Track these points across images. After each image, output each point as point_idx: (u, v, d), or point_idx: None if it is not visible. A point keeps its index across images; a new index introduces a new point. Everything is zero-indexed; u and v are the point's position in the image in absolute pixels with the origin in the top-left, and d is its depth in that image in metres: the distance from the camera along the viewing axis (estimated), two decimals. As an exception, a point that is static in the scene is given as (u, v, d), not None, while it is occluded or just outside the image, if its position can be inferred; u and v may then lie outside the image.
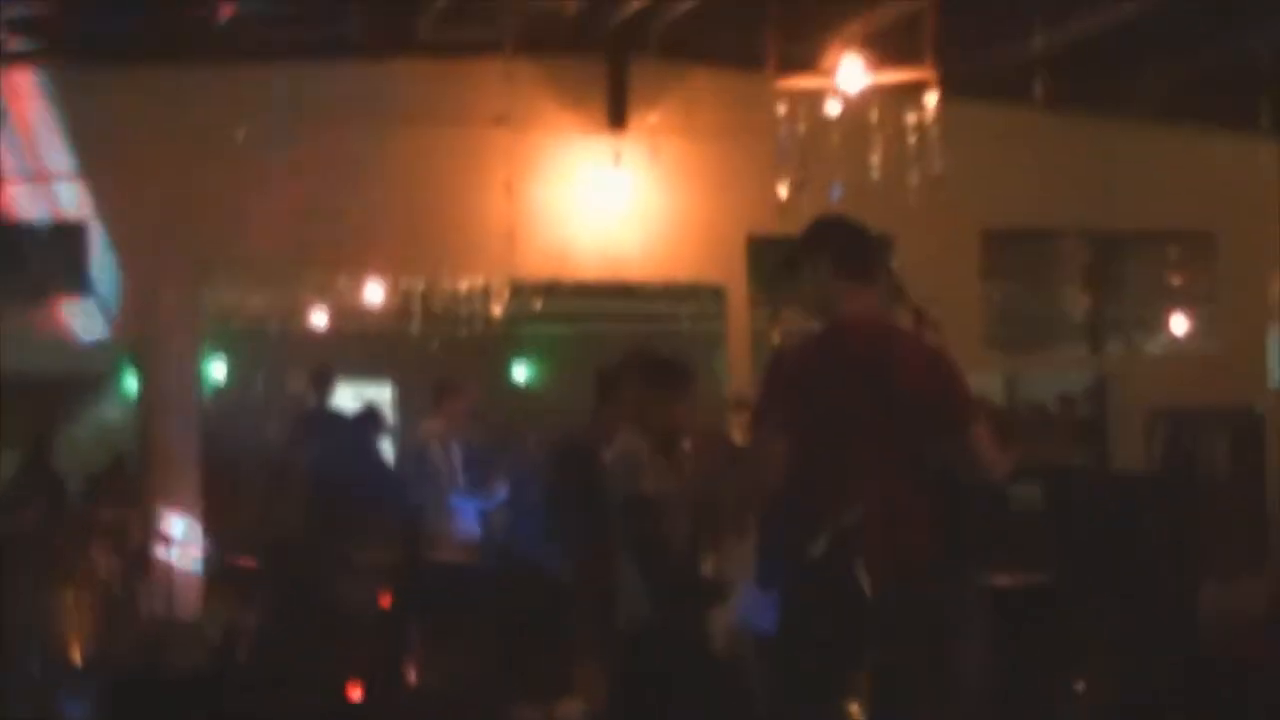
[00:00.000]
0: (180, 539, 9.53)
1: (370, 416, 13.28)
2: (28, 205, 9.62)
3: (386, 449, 13.17)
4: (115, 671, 8.09)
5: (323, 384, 12.76)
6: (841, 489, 5.53)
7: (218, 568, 9.90)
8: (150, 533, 9.55)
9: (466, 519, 11.23)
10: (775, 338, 10.76)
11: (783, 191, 9.37)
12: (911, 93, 8.92)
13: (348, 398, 13.49)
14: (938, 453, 5.64)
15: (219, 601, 9.58)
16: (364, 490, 11.45)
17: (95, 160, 9.87)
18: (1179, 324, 12.57)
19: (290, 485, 11.66)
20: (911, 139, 9.05)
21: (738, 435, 8.32)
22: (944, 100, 8.81)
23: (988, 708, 8.25)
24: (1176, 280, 12.47)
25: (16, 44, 9.52)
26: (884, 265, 6.14)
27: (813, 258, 5.85)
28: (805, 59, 9.05)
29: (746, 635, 8.64)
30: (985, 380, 11.99)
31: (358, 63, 10.22)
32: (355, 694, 8.47)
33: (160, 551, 9.34)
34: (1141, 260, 12.48)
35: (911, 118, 8.99)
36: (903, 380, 5.60)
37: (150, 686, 7.90)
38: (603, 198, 10.71)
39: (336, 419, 13.14)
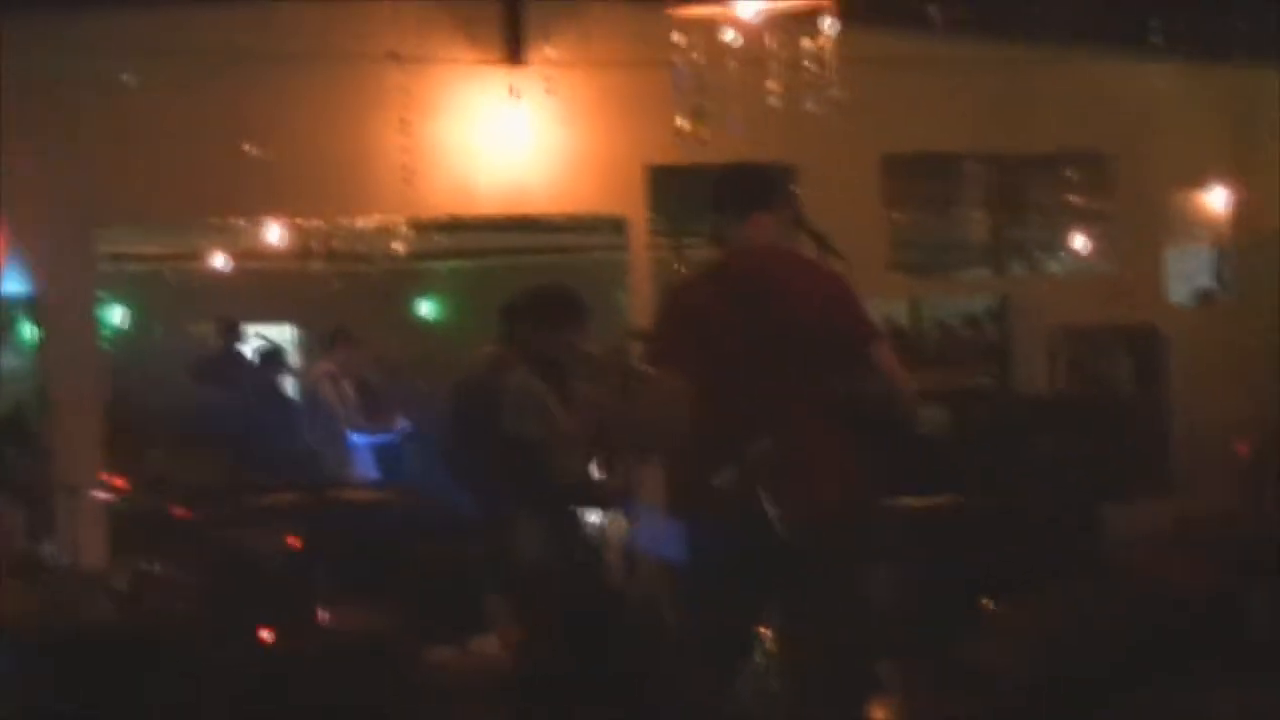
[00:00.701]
0: (83, 488, 9.41)
1: (272, 357, 13.23)
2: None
3: (290, 390, 13.11)
4: (20, 625, 7.99)
5: (230, 336, 12.69)
6: (744, 419, 5.55)
7: (123, 516, 9.80)
8: (52, 483, 9.43)
9: (363, 457, 11.23)
10: (680, 268, 10.79)
11: (682, 121, 9.33)
12: (809, 20, 8.89)
13: (249, 340, 13.42)
14: (843, 378, 5.66)
15: (125, 551, 9.50)
16: (268, 432, 11.41)
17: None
18: (1080, 244, 12.67)
19: (193, 429, 11.58)
20: (810, 66, 9.01)
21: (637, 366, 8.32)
22: (843, 27, 8.79)
23: (897, 630, 8.33)
24: (1076, 201, 12.55)
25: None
26: (783, 194, 6.18)
27: (712, 191, 5.95)
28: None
29: (655, 566, 8.69)
30: (889, 305, 12.09)
31: (247, 3, 10.07)
32: (268, 639, 8.42)
33: (63, 502, 9.22)
34: (1041, 182, 12.55)
35: (809, 45, 8.95)
36: (796, 306, 5.64)
37: (57, 639, 7.82)
38: (501, 132, 10.62)
39: (238, 361, 13.07)
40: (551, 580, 7.20)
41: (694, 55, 9.10)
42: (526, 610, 7.48)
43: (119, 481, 9.77)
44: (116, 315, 12.98)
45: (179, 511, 9.34)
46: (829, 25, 8.73)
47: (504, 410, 7.31)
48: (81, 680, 7.66)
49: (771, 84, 9.06)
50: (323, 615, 8.92)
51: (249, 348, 13.54)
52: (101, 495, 9.48)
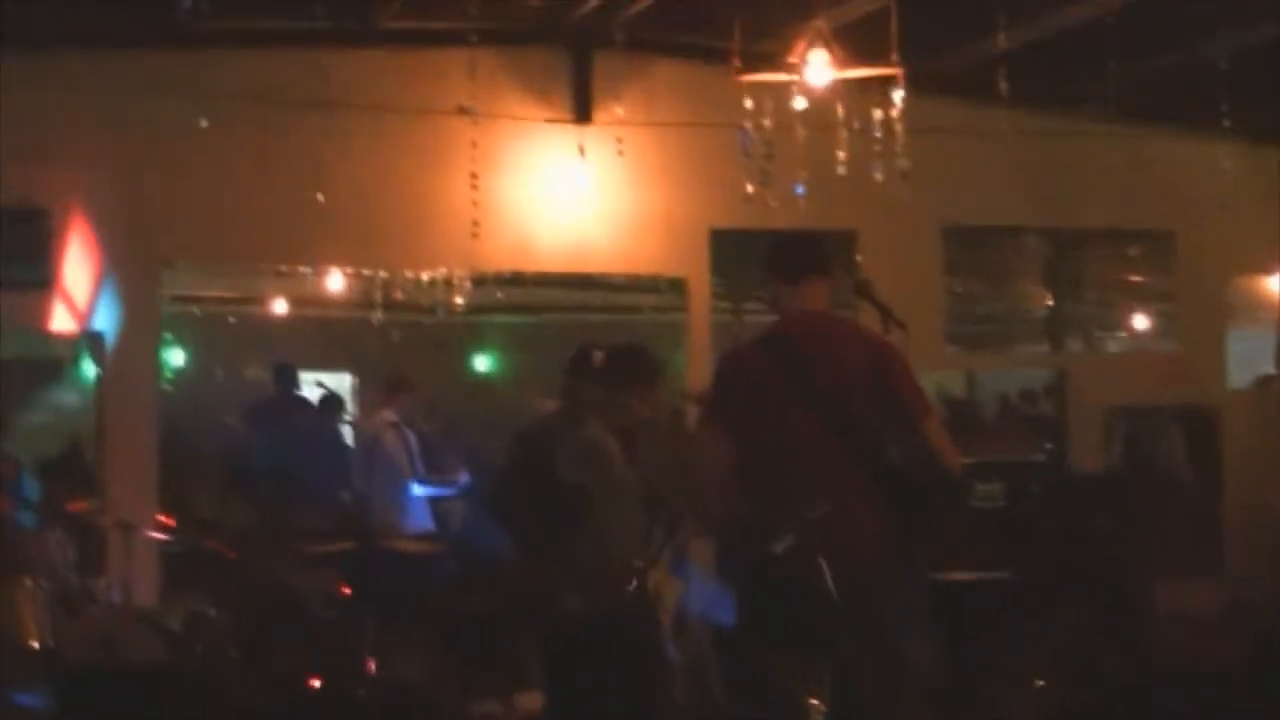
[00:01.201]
0: (138, 527, 9.46)
1: (328, 404, 13.27)
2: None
3: (345, 438, 13.14)
4: (72, 662, 8.03)
5: (284, 381, 12.72)
6: (795, 483, 5.56)
7: (176, 557, 9.85)
8: (107, 521, 9.49)
9: (420, 508, 11.21)
10: (738, 331, 10.79)
11: (747, 185, 9.39)
12: (876, 88, 8.94)
13: (308, 387, 13.46)
14: (891, 447, 5.68)
15: (178, 591, 9.54)
16: (321, 479, 11.42)
17: (56, 148, 9.81)
18: (1138, 322, 12.63)
19: (247, 474, 11.62)
20: (876, 134, 9.06)
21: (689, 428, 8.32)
22: (907, 96, 8.84)
23: (944, 703, 8.29)
24: (1136, 279, 12.52)
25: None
26: (837, 264, 6.22)
27: (765, 269, 6.01)
28: (770, 53, 9.05)
29: (703, 627, 8.67)
30: (946, 377, 12.08)
31: (321, 52, 10.16)
32: (315, 685, 8.44)
33: (117, 540, 9.27)
34: (1101, 258, 12.53)
35: (876, 113, 9.00)
36: (845, 372, 5.66)
37: (108, 677, 7.86)
38: (566, 189, 10.69)
39: (292, 407, 13.11)
40: (595, 634, 7.17)
41: (761, 119, 9.17)
42: (567, 664, 7.45)
43: (172, 521, 9.82)
44: (177, 357, 13.05)
45: (230, 553, 9.38)
46: (896, 94, 8.78)
47: (563, 459, 7.31)
48: (126, 714, 7.70)
49: (837, 151, 9.10)
50: (369, 663, 8.95)
51: (305, 393, 13.59)
52: (155, 534, 9.53)
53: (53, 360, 11.60)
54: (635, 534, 7.11)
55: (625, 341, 7.88)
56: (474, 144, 10.16)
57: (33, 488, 10.39)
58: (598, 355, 7.80)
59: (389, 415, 11.28)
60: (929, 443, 5.65)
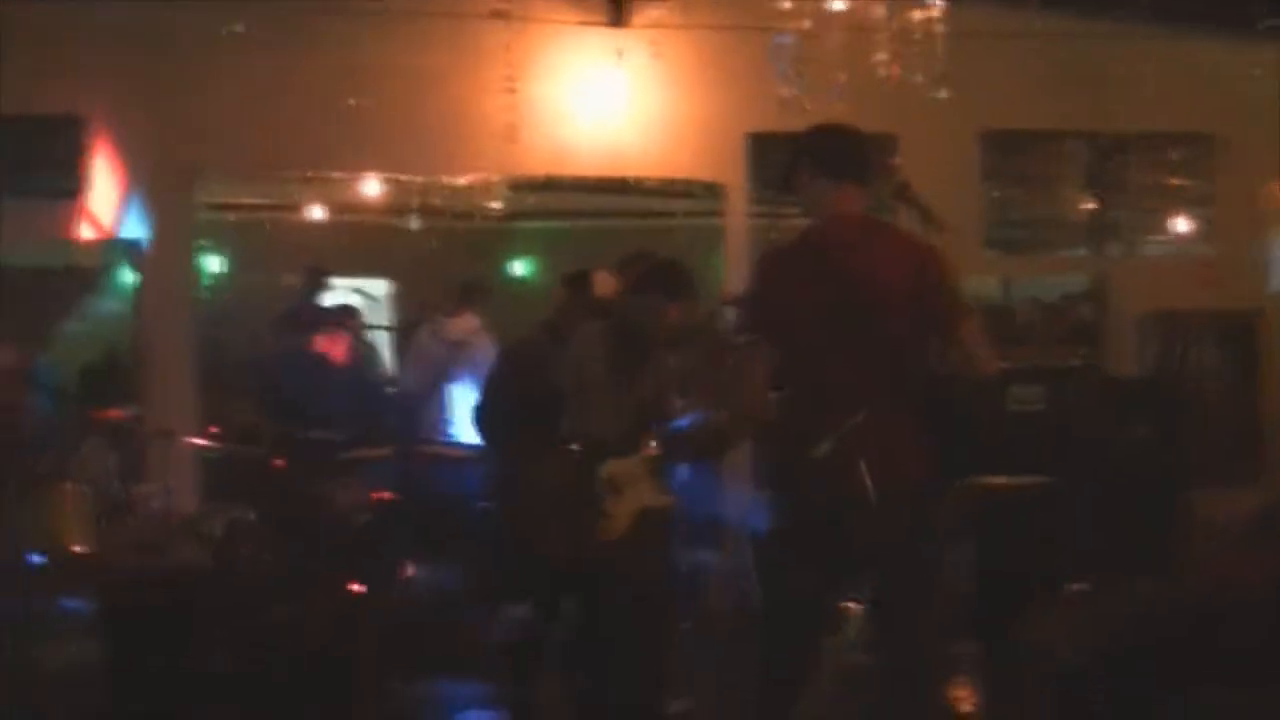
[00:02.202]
0: (176, 434, 9.51)
1: (349, 312, 13.23)
2: (24, 102, 9.50)
3: (376, 344, 13.12)
4: (114, 568, 8.10)
5: (315, 282, 12.67)
6: (834, 389, 5.53)
7: (216, 463, 9.89)
8: (147, 428, 9.54)
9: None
10: (776, 236, 10.74)
11: (784, 89, 9.31)
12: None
13: (343, 293, 13.43)
14: (929, 350, 5.64)
15: (218, 497, 9.59)
16: (354, 386, 11.42)
17: (90, 59, 9.80)
18: (1179, 227, 12.52)
19: (280, 381, 11.62)
20: (915, 38, 8.97)
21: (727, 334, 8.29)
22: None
23: (976, 609, 8.31)
24: (1176, 183, 12.39)
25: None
26: (877, 167, 6.11)
27: (803, 159, 5.89)
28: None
29: (742, 534, 8.67)
30: (984, 282, 12.02)
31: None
32: (352, 590, 8.49)
33: (157, 447, 9.33)
34: (1141, 163, 12.40)
35: (916, 16, 8.91)
36: (885, 276, 5.59)
37: (149, 582, 7.92)
38: (603, 94, 10.64)
39: (321, 314, 13.08)
40: (553, 539, 7.20)
41: (799, 22, 9.09)
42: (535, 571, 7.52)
43: (211, 429, 9.86)
44: (214, 264, 13.05)
45: (270, 461, 9.43)
46: (938, -3, 8.69)
47: (555, 362, 7.32)
48: (169, 620, 7.77)
49: (877, 55, 9.02)
50: (406, 567, 9.01)
51: (341, 298, 13.57)
52: (194, 441, 9.58)
53: (89, 269, 11.62)
54: (608, 436, 7.11)
55: (662, 256, 7.82)
56: (508, 48, 10.11)
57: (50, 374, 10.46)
58: (600, 277, 7.81)
59: (470, 323, 11.23)
60: (966, 345, 5.60)
